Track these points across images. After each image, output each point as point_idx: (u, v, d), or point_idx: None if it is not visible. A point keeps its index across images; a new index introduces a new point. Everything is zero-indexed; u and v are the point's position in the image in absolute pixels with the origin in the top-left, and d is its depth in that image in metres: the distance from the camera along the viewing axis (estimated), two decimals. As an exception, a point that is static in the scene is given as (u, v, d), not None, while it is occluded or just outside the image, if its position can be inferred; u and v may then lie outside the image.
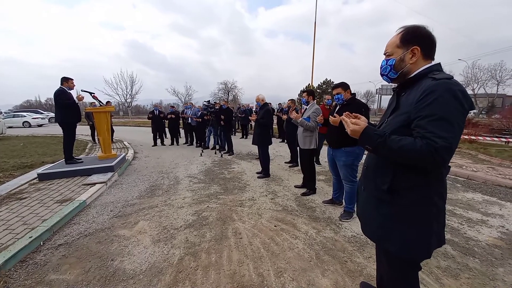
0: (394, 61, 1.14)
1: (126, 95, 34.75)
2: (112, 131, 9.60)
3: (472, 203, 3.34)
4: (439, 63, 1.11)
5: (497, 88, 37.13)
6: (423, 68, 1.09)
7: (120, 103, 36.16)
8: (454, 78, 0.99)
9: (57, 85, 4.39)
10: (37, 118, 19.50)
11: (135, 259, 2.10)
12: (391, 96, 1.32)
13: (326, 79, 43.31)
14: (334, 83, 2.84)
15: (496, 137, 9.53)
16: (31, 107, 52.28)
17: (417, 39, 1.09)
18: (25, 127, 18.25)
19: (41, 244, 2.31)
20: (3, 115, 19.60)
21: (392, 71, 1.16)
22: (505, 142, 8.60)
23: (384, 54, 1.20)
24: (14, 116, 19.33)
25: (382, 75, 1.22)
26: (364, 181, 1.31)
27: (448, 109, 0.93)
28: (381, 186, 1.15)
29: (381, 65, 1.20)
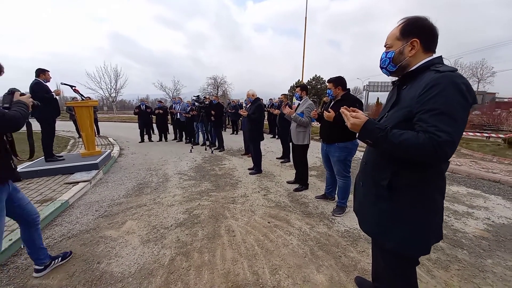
0: (393, 53, 1.11)
1: (111, 89, 33.56)
2: (97, 127, 9.22)
3: (458, 196, 3.46)
4: (441, 56, 1.08)
5: (478, 86, 38.72)
6: (424, 61, 1.06)
7: (104, 97, 34.91)
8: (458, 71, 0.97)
9: (32, 78, 4.08)
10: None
11: (123, 261, 2.00)
12: (390, 90, 1.29)
13: (316, 75, 43.64)
14: (328, 79, 2.81)
15: (479, 132, 9.96)
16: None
17: (417, 31, 1.05)
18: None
19: (22, 247, 2.16)
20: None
21: (391, 63, 1.13)
22: (487, 137, 9.00)
23: (384, 46, 1.16)
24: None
25: (381, 67, 1.19)
26: (362, 176, 1.28)
27: (452, 103, 0.90)
28: (380, 182, 1.12)
29: (381, 58, 1.17)
